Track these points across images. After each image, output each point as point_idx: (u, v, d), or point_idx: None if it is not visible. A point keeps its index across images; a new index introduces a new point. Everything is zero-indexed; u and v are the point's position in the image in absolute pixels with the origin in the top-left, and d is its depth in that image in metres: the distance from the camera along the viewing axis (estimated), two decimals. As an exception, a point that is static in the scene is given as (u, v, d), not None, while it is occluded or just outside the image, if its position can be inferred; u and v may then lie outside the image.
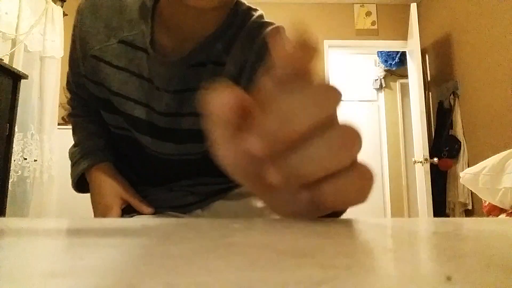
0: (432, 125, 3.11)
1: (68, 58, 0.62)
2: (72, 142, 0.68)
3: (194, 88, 0.51)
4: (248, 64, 0.51)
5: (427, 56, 3.32)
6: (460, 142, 2.69)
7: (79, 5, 0.56)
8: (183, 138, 0.53)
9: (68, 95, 0.69)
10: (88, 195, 0.66)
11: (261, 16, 0.54)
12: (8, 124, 1.73)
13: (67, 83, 0.66)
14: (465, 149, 2.66)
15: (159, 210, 0.59)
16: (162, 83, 0.52)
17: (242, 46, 0.51)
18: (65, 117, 2.85)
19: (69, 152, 0.65)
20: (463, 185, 1.86)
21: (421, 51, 2.88)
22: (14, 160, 2.11)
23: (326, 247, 0.20)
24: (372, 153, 4.35)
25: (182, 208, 0.60)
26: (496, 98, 2.33)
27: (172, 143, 0.53)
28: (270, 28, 0.51)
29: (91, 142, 0.62)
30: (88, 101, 0.63)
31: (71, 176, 0.63)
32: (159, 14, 0.52)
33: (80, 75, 0.58)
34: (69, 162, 0.65)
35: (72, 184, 0.64)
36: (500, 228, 0.26)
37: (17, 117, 1.83)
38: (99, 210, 0.58)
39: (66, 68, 0.65)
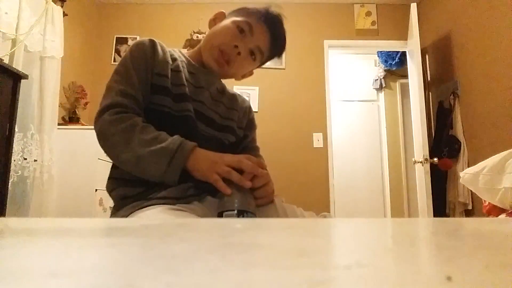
0: (432, 125, 3.11)
1: (127, 73, 0.81)
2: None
3: (220, 100, 0.93)
4: (240, 114, 0.98)
5: (427, 56, 3.32)
6: (460, 142, 2.68)
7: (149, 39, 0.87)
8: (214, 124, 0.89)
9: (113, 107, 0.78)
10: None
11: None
12: (8, 124, 1.73)
13: (124, 95, 0.78)
14: (465, 149, 2.66)
15: (165, 201, 0.70)
16: (206, 84, 0.91)
17: (240, 103, 0.99)
18: (65, 117, 2.85)
19: (150, 150, 0.71)
20: (463, 185, 1.86)
21: (421, 51, 2.88)
22: (14, 160, 2.11)
23: (326, 247, 0.20)
24: (372, 153, 4.35)
25: (183, 199, 0.73)
26: (496, 98, 2.33)
27: (209, 126, 0.87)
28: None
29: (175, 136, 0.75)
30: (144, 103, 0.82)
31: (177, 159, 0.70)
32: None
33: (147, 82, 0.81)
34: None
35: (182, 161, 0.70)
36: (500, 228, 0.26)
37: (17, 117, 1.83)
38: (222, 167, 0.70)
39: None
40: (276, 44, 0.92)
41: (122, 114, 0.75)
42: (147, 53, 0.83)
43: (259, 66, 0.97)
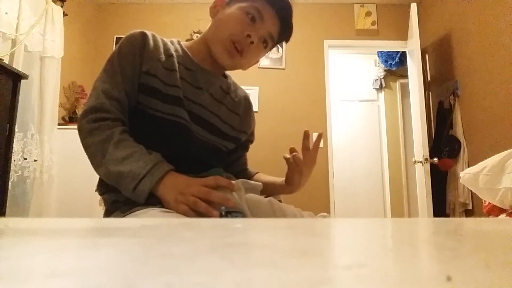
0: (432, 125, 3.11)
1: (111, 71, 0.78)
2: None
3: (222, 102, 0.89)
4: (242, 104, 0.95)
5: (427, 56, 3.32)
6: (460, 142, 2.68)
7: (142, 31, 0.81)
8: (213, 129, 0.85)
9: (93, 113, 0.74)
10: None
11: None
12: (8, 124, 1.73)
13: (107, 97, 0.75)
14: (465, 149, 2.66)
15: (155, 204, 0.68)
16: (206, 85, 0.85)
17: (239, 93, 0.96)
18: (65, 117, 2.85)
19: (119, 170, 0.68)
20: (463, 185, 1.86)
21: (421, 51, 2.88)
22: (14, 160, 2.11)
23: (326, 247, 0.20)
24: (372, 153, 4.35)
25: None
26: (496, 98, 2.33)
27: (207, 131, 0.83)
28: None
29: (152, 155, 0.70)
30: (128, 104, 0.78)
31: (143, 185, 0.66)
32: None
33: (134, 81, 0.77)
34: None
35: (148, 187, 0.66)
36: (500, 228, 0.26)
37: (17, 117, 1.83)
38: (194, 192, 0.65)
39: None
40: (285, 28, 0.89)
41: (100, 122, 0.72)
42: (135, 49, 0.78)
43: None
